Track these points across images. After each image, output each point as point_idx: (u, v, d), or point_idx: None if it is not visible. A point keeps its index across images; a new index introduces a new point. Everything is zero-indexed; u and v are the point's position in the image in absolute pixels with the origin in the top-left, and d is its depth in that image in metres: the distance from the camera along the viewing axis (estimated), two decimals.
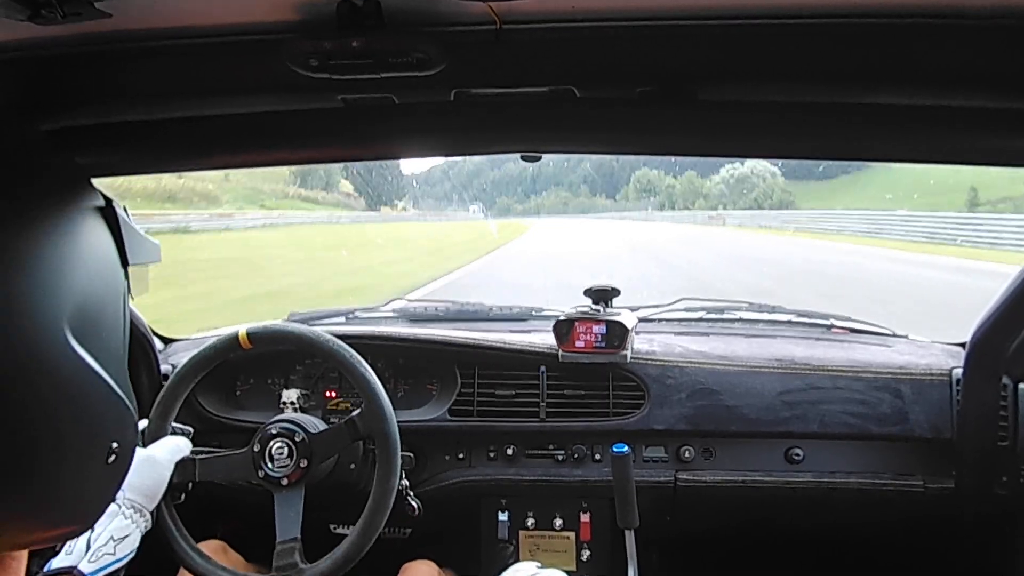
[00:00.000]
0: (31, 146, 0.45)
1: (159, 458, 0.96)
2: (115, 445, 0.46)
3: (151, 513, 0.93)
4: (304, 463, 0.99)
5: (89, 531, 0.86)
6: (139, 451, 0.95)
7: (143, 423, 1.03)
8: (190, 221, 13.98)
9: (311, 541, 0.99)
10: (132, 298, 0.49)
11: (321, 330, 1.08)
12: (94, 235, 0.44)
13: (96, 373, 0.42)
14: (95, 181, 0.48)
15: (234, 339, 1.05)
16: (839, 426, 1.32)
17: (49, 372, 0.39)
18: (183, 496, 1.00)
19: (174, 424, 1.04)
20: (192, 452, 1.02)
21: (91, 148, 0.80)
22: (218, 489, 1.01)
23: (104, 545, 0.85)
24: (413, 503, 1.14)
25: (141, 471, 0.93)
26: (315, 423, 1.05)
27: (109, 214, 0.46)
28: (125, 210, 0.48)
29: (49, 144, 0.46)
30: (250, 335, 1.04)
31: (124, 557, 0.87)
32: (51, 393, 0.39)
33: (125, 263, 0.47)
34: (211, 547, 1.11)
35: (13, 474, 0.39)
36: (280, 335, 1.07)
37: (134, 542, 0.88)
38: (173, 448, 0.99)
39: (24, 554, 0.47)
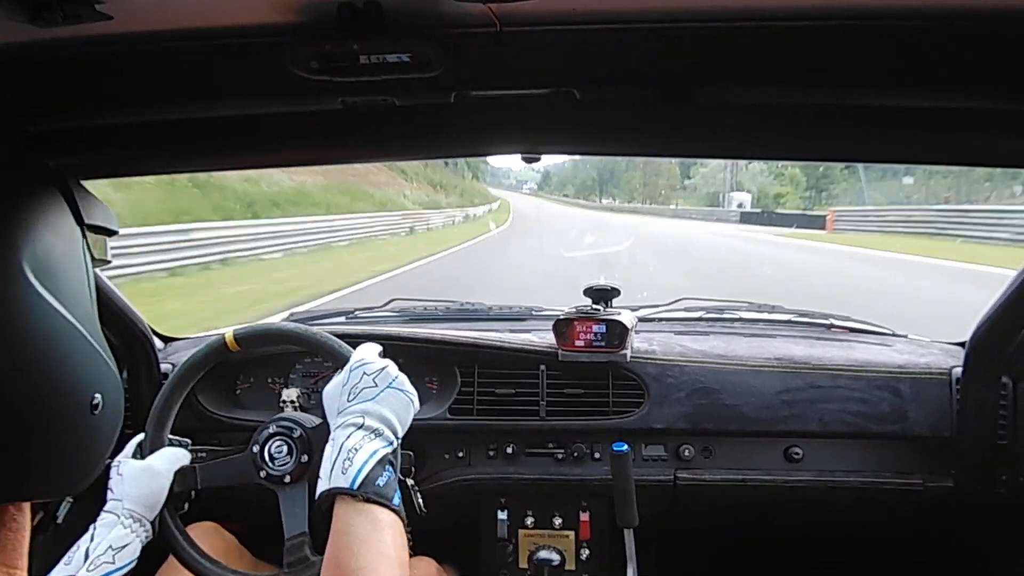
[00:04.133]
0: None
1: (157, 468, 0.95)
2: (97, 396, 0.49)
3: (152, 523, 0.93)
4: (305, 458, 0.99)
5: (88, 541, 0.86)
6: (137, 462, 0.95)
7: (140, 437, 1.03)
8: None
9: (318, 534, 0.99)
10: (94, 259, 0.54)
11: (323, 330, 1.08)
12: (42, 195, 0.49)
13: (65, 318, 0.46)
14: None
15: (221, 343, 1.05)
16: (838, 425, 1.32)
17: (14, 308, 0.43)
18: (187, 505, 1.00)
19: (170, 436, 1.04)
20: (192, 452, 1.02)
21: (92, 149, 0.80)
22: (221, 491, 1.01)
23: (103, 554, 0.85)
24: (419, 501, 1.14)
25: (139, 481, 0.93)
26: (311, 419, 1.05)
27: (57, 178, 0.52)
28: (79, 183, 0.55)
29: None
30: (236, 337, 1.04)
31: (124, 566, 0.86)
32: (20, 331, 0.43)
33: (80, 220, 0.52)
34: (203, 528, 1.11)
35: None
36: (265, 334, 1.06)
37: (134, 551, 0.88)
38: (171, 457, 0.98)
39: (24, 527, 0.49)
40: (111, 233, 0.59)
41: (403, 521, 0.78)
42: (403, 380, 0.89)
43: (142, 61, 0.69)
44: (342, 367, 0.92)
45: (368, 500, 0.76)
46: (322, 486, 0.78)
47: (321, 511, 0.78)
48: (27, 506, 0.49)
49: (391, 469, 0.80)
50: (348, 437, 0.81)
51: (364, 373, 0.88)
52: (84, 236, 0.52)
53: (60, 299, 0.46)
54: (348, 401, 0.86)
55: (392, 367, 0.90)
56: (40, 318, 0.44)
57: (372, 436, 0.82)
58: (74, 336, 0.47)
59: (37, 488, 0.48)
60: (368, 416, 0.84)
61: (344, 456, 0.79)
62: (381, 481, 0.78)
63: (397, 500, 0.78)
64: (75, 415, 0.47)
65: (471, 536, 1.43)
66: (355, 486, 0.76)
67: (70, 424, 0.47)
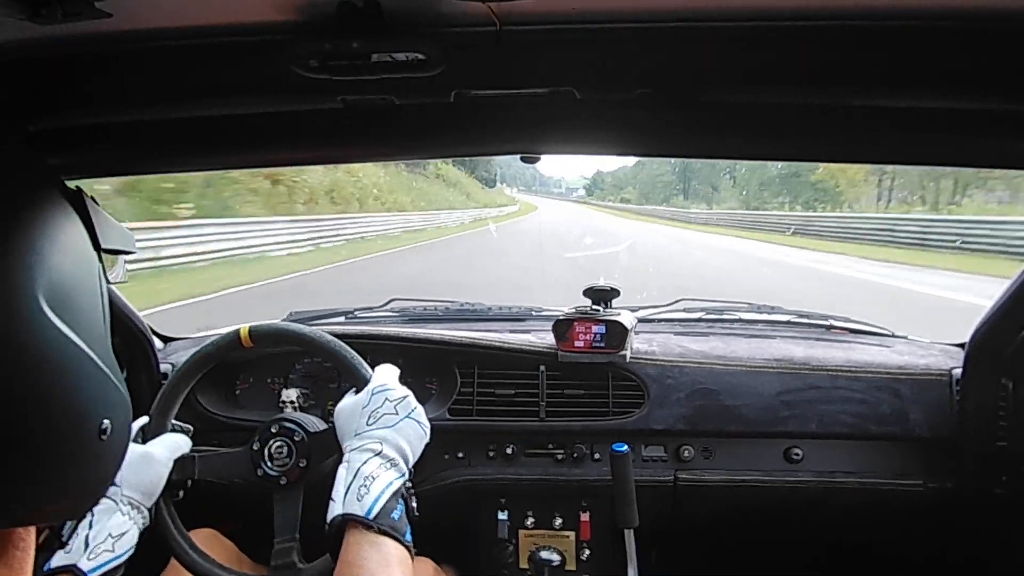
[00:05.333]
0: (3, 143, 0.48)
1: (157, 455, 0.95)
2: (106, 422, 0.48)
3: (148, 510, 0.93)
4: (303, 463, 0.99)
5: (87, 528, 0.86)
6: (137, 448, 0.95)
7: (143, 419, 1.03)
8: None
9: (309, 541, 0.99)
10: (108, 282, 0.53)
11: (321, 330, 1.08)
12: (62, 217, 0.48)
13: (77, 347, 0.46)
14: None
15: (235, 337, 1.04)
16: (838, 426, 1.32)
17: (28, 340, 0.42)
18: (182, 493, 0.99)
19: (174, 422, 1.04)
20: (192, 450, 1.02)
21: (92, 148, 0.80)
22: (217, 487, 1.01)
23: (103, 542, 0.85)
24: (413, 504, 1.14)
25: (139, 468, 0.92)
26: (315, 423, 1.04)
27: (78, 201, 0.50)
28: (95, 201, 0.53)
29: (21, 141, 0.49)
30: (252, 333, 1.03)
31: (123, 554, 0.86)
32: (30, 363, 0.42)
33: (97, 246, 0.51)
34: (202, 535, 1.11)
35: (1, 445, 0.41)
36: (282, 334, 1.05)
37: (132, 539, 0.88)
38: (172, 445, 0.98)
39: (31, 546, 0.48)
40: (128, 253, 0.58)
41: (412, 557, 0.78)
42: (421, 412, 0.90)
43: (141, 59, 0.69)
44: (361, 387, 0.93)
45: (383, 532, 0.76)
46: (335, 509, 0.78)
47: (330, 534, 0.78)
48: (31, 544, 0.49)
49: (403, 503, 0.81)
50: (365, 462, 0.82)
51: (387, 399, 0.89)
52: (101, 260, 0.52)
53: (73, 327, 0.45)
54: (368, 424, 0.86)
55: (412, 398, 0.91)
56: (51, 347, 0.44)
57: (389, 465, 0.83)
58: (84, 363, 0.46)
59: (44, 513, 0.48)
60: (386, 444, 0.84)
61: (360, 482, 0.79)
62: (396, 515, 0.78)
63: (409, 536, 0.78)
64: (83, 442, 0.47)
65: (471, 537, 1.42)
66: (371, 516, 0.76)
67: (78, 451, 0.47)
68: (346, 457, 0.84)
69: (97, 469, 0.49)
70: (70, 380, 0.45)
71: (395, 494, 0.80)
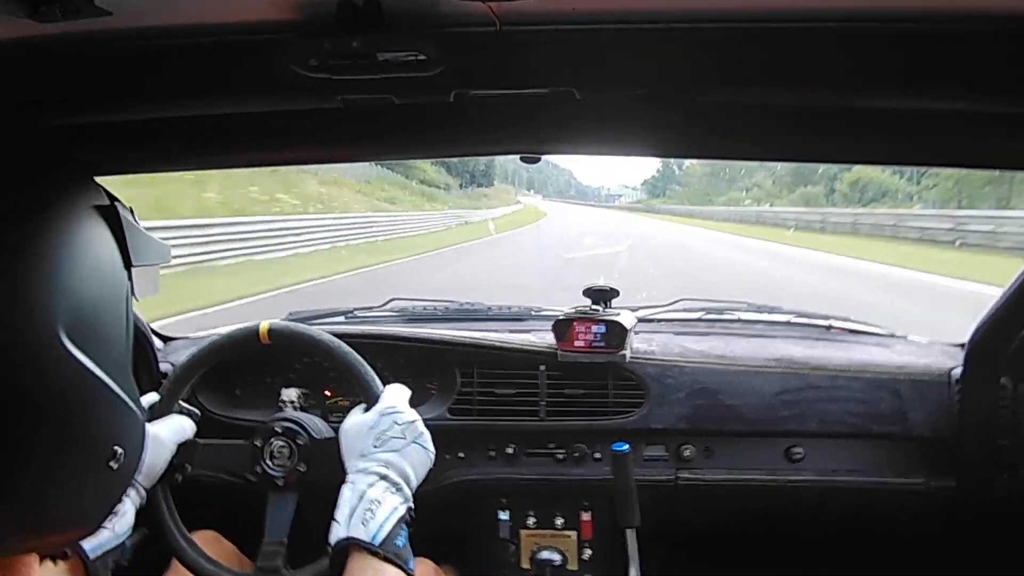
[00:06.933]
0: (34, 143, 0.45)
1: (163, 437, 0.95)
2: (118, 449, 0.46)
3: (146, 490, 0.93)
4: (303, 467, 0.98)
5: None
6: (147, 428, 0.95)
7: (153, 396, 1.02)
8: None
9: (297, 547, 0.98)
10: (136, 299, 0.49)
11: (323, 330, 1.07)
12: (93, 237, 0.44)
13: (95, 376, 0.43)
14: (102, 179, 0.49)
15: (254, 332, 1.02)
16: (839, 425, 1.32)
17: (42, 376, 0.39)
18: (180, 478, 0.99)
19: (181, 404, 1.03)
20: (195, 436, 1.02)
21: (90, 147, 0.80)
22: (216, 487, 1.00)
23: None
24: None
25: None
26: (319, 427, 1.03)
27: (111, 216, 0.46)
28: (132, 212, 0.49)
29: (54, 141, 0.47)
30: (271, 332, 1.02)
31: (122, 534, 0.86)
32: (44, 397, 0.40)
33: (128, 264, 0.47)
34: (205, 537, 1.11)
35: (6, 478, 0.39)
36: (300, 337, 1.03)
37: (130, 521, 0.88)
38: (178, 429, 0.98)
39: (33, 563, 0.47)
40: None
41: None
42: (427, 437, 0.91)
43: (141, 58, 0.69)
44: (371, 404, 0.93)
45: (387, 560, 0.76)
46: (339, 531, 0.78)
47: (333, 557, 0.78)
48: (33, 561, 0.48)
49: (407, 529, 0.81)
50: (371, 486, 0.81)
51: (395, 422, 0.89)
52: (130, 278, 0.48)
53: (93, 356, 0.42)
54: (374, 447, 0.86)
55: (420, 422, 0.92)
56: (67, 381, 0.41)
57: (394, 490, 0.83)
58: (101, 392, 0.43)
59: (48, 543, 0.47)
60: (392, 468, 0.84)
61: (366, 506, 0.79)
62: (400, 541, 0.78)
63: (412, 564, 0.78)
64: (93, 473, 0.44)
65: (472, 537, 1.42)
66: (376, 542, 0.76)
67: (88, 482, 0.44)
68: (351, 478, 0.84)
69: (104, 497, 0.47)
70: (85, 412, 0.43)
71: (399, 520, 0.80)
